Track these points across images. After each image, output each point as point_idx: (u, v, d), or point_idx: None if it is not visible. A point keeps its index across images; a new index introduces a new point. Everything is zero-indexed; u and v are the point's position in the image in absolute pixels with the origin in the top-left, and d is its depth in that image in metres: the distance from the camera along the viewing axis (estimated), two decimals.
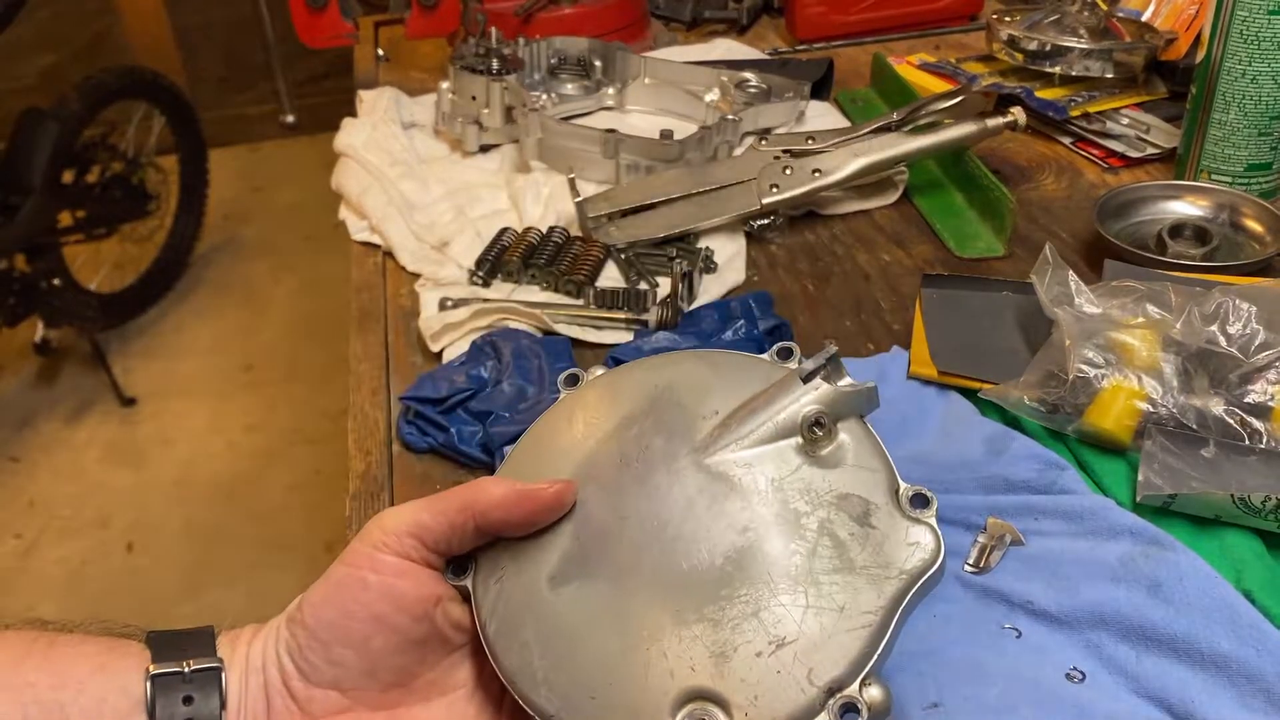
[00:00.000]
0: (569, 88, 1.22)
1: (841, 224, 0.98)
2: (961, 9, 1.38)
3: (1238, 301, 0.66)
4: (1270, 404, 0.65)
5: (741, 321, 0.79)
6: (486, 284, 0.91)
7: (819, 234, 0.97)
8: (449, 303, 0.87)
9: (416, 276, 0.94)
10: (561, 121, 1.06)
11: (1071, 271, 0.71)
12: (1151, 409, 0.65)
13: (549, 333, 0.83)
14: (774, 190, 0.96)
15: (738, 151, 1.05)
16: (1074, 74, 1.13)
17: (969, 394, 0.72)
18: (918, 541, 0.48)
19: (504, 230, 0.96)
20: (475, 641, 0.51)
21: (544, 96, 1.16)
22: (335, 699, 0.49)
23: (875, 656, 0.45)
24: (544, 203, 1.00)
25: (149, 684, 0.46)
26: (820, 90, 1.20)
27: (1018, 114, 0.97)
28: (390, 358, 0.86)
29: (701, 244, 0.94)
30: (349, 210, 1.06)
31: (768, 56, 1.33)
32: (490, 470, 0.70)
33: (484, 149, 1.12)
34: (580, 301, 0.87)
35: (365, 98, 1.21)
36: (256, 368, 2.59)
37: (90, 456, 2.36)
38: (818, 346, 0.63)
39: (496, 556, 0.51)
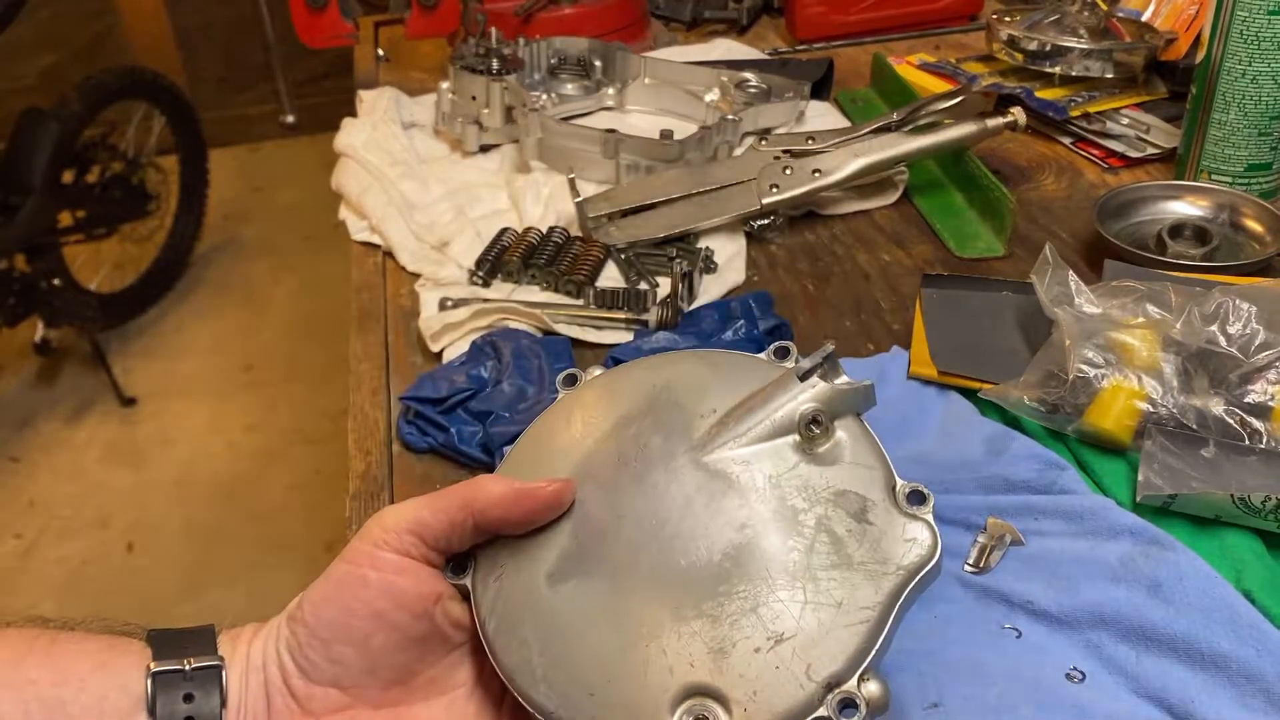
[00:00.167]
0: (569, 88, 1.22)
1: (841, 224, 0.98)
2: (961, 9, 1.38)
3: (1238, 301, 0.66)
4: (1270, 404, 0.65)
5: (741, 321, 0.79)
6: (486, 284, 0.91)
7: (819, 234, 0.97)
8: (449, 303, 0.87)
9: (416, 276, 0.94)
10: (561, 121, 1.06)
11: (1071, 271, 0.71)
12: (1151, 409, 0.65)
13: (549, 333, 0.83)
14: (774, 190, 0.96)
15: (738, 151, 1.05)
16: (1074, 74, 1.13)
17: (969, 394, 0.72)
18: (915, 538, 0.48)
19: (504, 230, 0.96)
20: (475, 639, 0.51)
21: (544, 96, 1.16)
22: (335, 697, 0.49)
23: (873, 652, 0.45)
24: (544, 203, 1.00)
25: (150, 682, 0.46)
26: (820, 90, 1.20)
27: (1018, 114, 0.97)
28: (390, 358, 0.86)
29: (701, 244, 0.94)
30: (349, 210, 1.06)
31: (768, 56, 1.33)
32: (490, 470, 0.70)
33: (484, 149, 1.12)
34: (580, 301, 0.88)
35: (365, 98, 1.21)
36: (256, 368, 2.59)
37: (90, 456, 2.36)
38: (817, 346, 0.63)
39: (495, 554, 0.51)
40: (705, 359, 0.56)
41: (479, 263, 0.91)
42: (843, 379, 0.52)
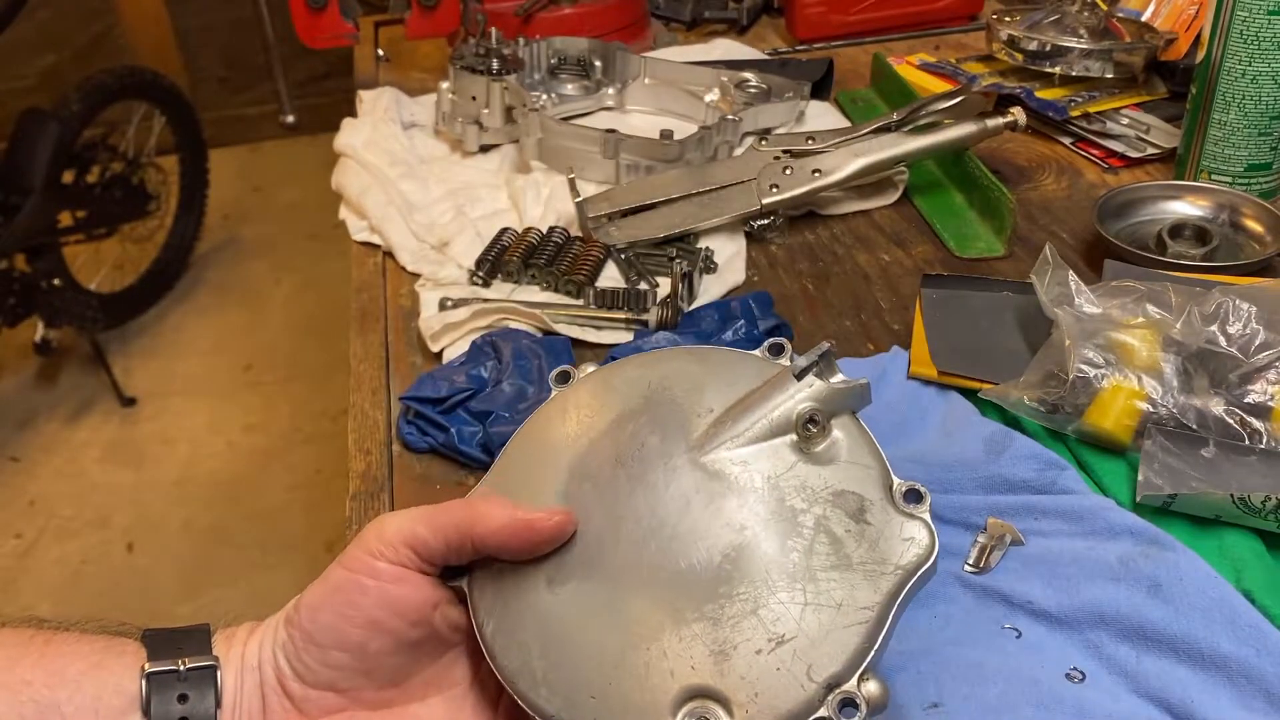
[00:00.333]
0: (569, 88, 1.22)
1: (841, 224, 0.98)
2: (961, 9, 1.38)
3: (1238, 301, 0.66)
4: (1270, 404, 0.65)
5: (741, 321, 0.79)
6: (486, 284, 0.91)
7: (819, 234, 0.97)
8: (449, 303, 0.87)
9: (416, 276, 0.94)
10: (561, 121, 1.06)
11: (1071, 271, 0.71)
12: (1151, 409, 0.65)
13: (549, 333, 0.83)
14: (774, 190, 0.96)
15: (738, 151, 1.05)
16: (1074, 74, 1.13)
17: (969, 394, 0.72)
18: (912, 537, 0.48)
19: (504, 230, 0.96)
20: (472, 640, 0.51)
21: (544, 96, 1.16)
22: (331, 699, 0.49)
23: (873, 652, 0.45)
24: (544, 203, 1.00)
25: (144, 682, 0.46)
26: (820, 90, 1.20)
27: (1018, 114, 0.97)
28: (390, 358, 0.86)
29: (701, 244, 0.94)
30: (349, 210, 1.06)
31: (768, 56, 1.33)
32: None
33: (484, 149, 1.12)
34: (580, 301, 0.88)
35: (365, 98, 1.21)
36: (256, 367, 2.59)
37: (90, 456, 2.36)
38: (816, 346, 0.63)
39: (493, 558, 0.51)
40: (700, 356, 0.55)
41: (479, 263, 0.91)
42: (839, 377, 0.52)
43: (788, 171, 0.97)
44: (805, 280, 0.90)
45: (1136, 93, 1.13)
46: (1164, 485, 0.61)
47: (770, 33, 1.43)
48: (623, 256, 0.92)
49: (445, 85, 1.13)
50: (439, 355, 0.83)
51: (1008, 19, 1.20)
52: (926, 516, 0.49)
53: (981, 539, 0.61)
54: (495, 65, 1.11)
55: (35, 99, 2.57)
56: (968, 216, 0.97)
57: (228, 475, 2.27)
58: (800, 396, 0.51)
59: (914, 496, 0.49)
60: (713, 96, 1.16)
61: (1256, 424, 0.64)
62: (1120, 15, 1.19)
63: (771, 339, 0.55)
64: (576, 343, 0.82)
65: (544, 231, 0.95)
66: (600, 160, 1.03)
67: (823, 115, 1.16)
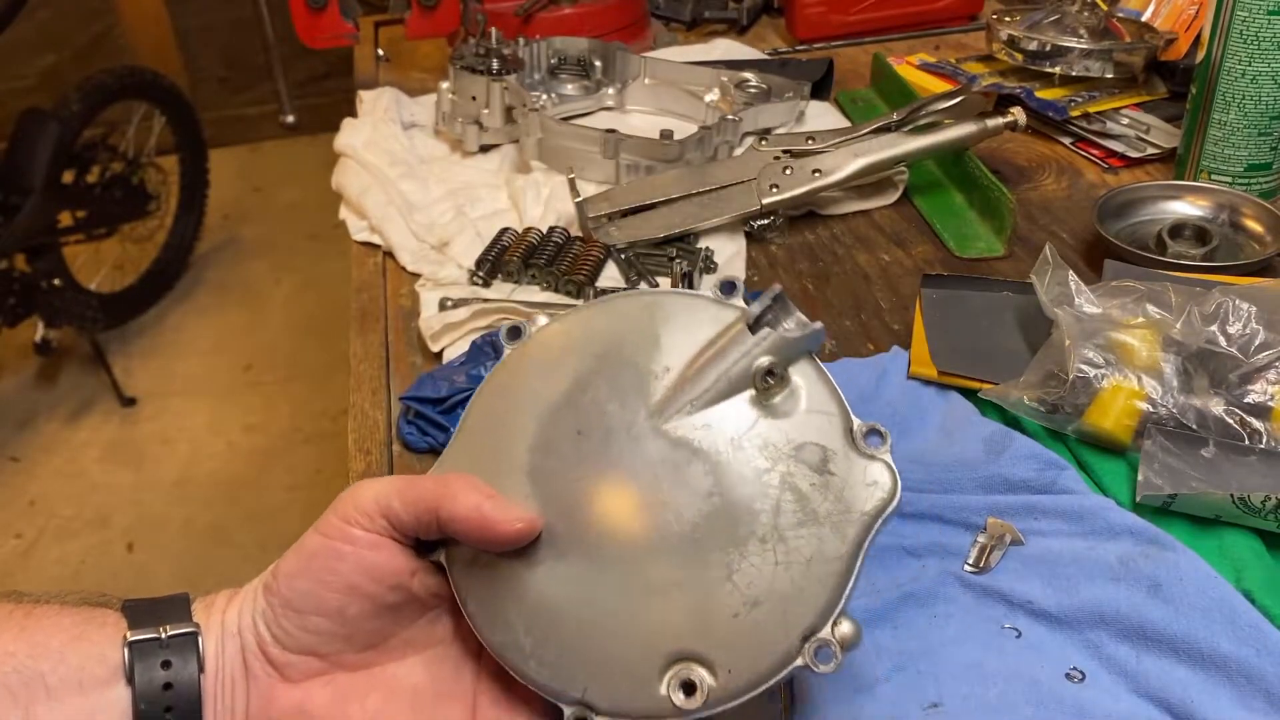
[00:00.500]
0: (569, 88, 1.22)
1: (841, 224, 0.98)
2: (961, 9, 1.38)
3: (1238, 301, 0.67)
4: (1270, 404, 0.65)
5: None
6: (486, 284, 0.91)
7: (819, 234, 0.97)
8: (449, 303, 0.87)
9: (416, 276, 0.94)
10: (561, 121, 1.06)
11: (1071, 271, 0.71)
12: (1151, 409, 0.65)
13: None
14: (774, 190, 0.96)
15: (738, 151, 1.05)
16: (1074, 74, 1.13)
17: (969, 394, 0.72)
18: (875, 480, 0.49)
19: (504, 230, 0.96)
20: (452, 601, 0.51)
21: (544, 96, 1.16)
22: (313, 662, 0.49)
23: (844, 599, 0.47)
24: (544, 203, 1.00)
25: (126, 651, 0.47)
26: (820, 90, 1.20)
27: (1018, 114, 0.97)
28: (390, 358, 0.86)
29: (701, 244, 0.94)
30: (349, 210, 1.06)
31: (768, 56, 1.33)
32: None
33: (484, 149, 1.12)
34: (580, 302, 0.88)
35: (365, 98, 1.21)
36: (256, 367, 2.60)
37: (90, 456, 2.36)
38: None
39: None
40: (652, 306, 0.54)
41: (479, 263, 0.91)
42: (792, 322, 0.52)
43: (788, 171, 0.97)
44: (805, 280, 0.90)
45: (1136, 93, 1.13)
46: (1164, 485, 0.61)
47: (770, 33, 1.43)
48: (623, 256, 0.92)
49: (445, 85, 1.13)
50: (439, 355, 0.83)
51: (1008, 19, 1.20)
52: (888, 457, 0.49)
53: (981, 539, 0.61)
54: (495, 65, 1.11)
55: (35, 99, 2.57)
56: (968, 216, 0.97)
57: (228, 475, 2.27)
58: (756, 351, 0.51)
59: (875, 437, 0.50)
60: (713, 96, 1.16)
61: (1256, 424, 0.64)
62: (1120, 15, 1.19)
63: (723, 277, 0.54)
64: None
65: (544, 231, 0.95)
66: (600, 160, 1.03)
67: (823, 115, 1.16)
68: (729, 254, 0.93)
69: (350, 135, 1.11)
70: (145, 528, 2.16)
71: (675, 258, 0.91)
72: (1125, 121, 1.09)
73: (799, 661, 0.46)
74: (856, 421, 0.50)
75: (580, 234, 0.96)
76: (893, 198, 1.00)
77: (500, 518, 0.48)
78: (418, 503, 0.48)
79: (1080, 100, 1.11)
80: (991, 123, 0.96)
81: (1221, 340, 0.66)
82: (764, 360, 0.51)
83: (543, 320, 0.56)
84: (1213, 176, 0.93)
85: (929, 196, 1.00)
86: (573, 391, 0.53)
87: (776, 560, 0.48)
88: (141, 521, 2.18)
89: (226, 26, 3.41)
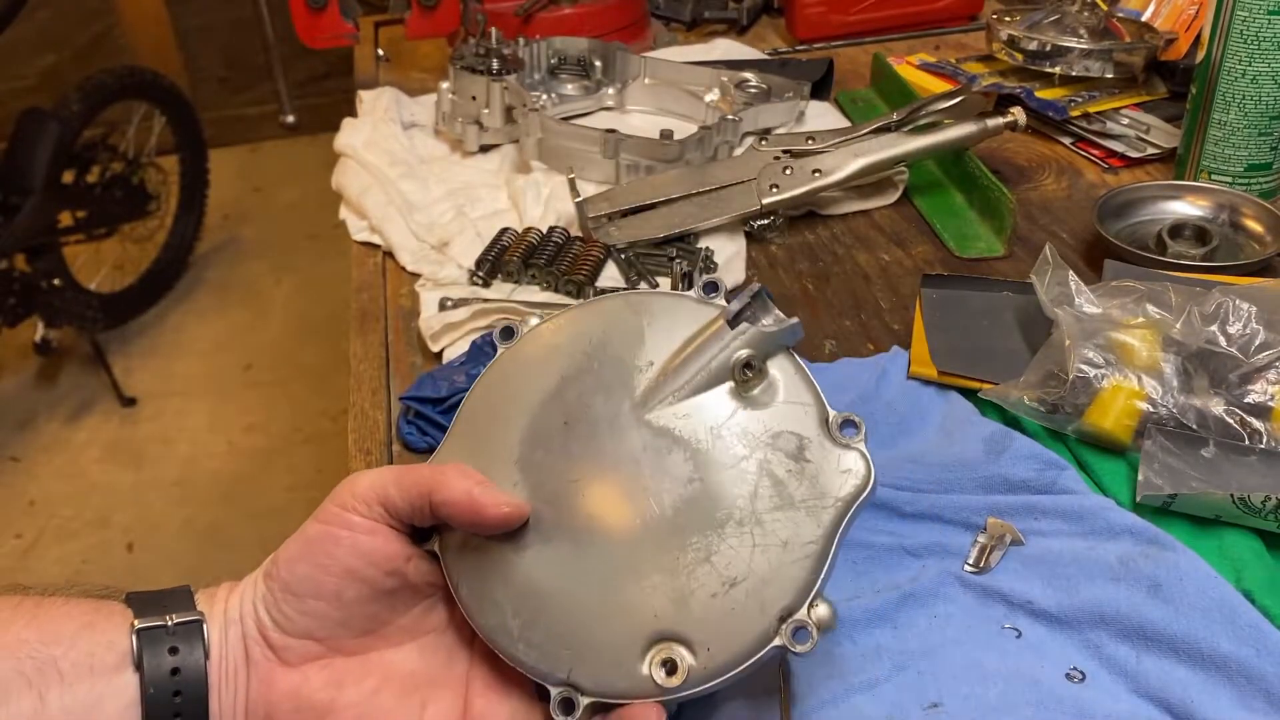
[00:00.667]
0: (569, 88, 1.22)
1: (841, 224, 0.98)
2: (961, 9, 1.38)
3: (1238, 301, 0.67)
4: (1270, 404, 0.65)
5: None
6: (486, 284, 0.91)
7: (819, 234, 0.97)
8: (449, 303, 0.87)
9: (416, 276, 0.94)
10: (561, 121, 1.06)
11: (1071, 271, 0.71)
12: (1151, 409, 0.65)
13: None
14: (774, 190, 0.96)
15: (738, 151, 1.05)
16: (1074, 74, 1.13)
17: (969, 394, 0.72)
18: (849, 468, 0.51)
19: (504, 230, 0.96)
20: (446, 591, 0.53)
21: (544, 96, 1.16)
22: (311, 647, 0.51)
23: (819, 581, 0.49)
24: (544, 203, 1.00)
25: (135, 638, 0.48)
26: (820, 90, 1.20)
27: (1018, 114, 0.97)
28: (390, 358, 0.86)
29: (701, 244, 0.94)
30: (349, 210, 1.06)
31: (768, 56, 1.33)
32: None
33: (484, 149, 1.12)
34: (580, 301, 0.87)
35: (365, 98, 1.21)
36: (256, 367, 2.60)
37: (90, 456, 2.36)
38: (818, 347, 0.63)
39: None
40: (636, 306, 0.57)
41: (479, 263, 0.91)
42: (770, 318, 0.54)
43: (788, 171, 0.97)
44: (805, 280, 0.90)
45: (1136, 93, 1.13)
46: (1164, 485, 0.61)
47: (770, 33, 1.43)
48: (623, 256, 0.92)
49: (445, 85, 1.13)
50: (439, 355, 0.83)
51: (1008, 19, 1.20)
52: (862, 446, 0.51)
53: (981, 539, 0.61)
54: (495, 65, 1.11)
55: (35, 99, 2.57)
56: (968, 216, 0.97)
57: (228, 475, 2.27)
58: (735, 345, 0.53)
59: (849, 427, 0.52)
60: (713, 96, 1.16)
61: (1256, 424, 0.64)
62: (1120, 15, 1.19)
63: (705, 278, 0.56)
64: None
65: (544, 231, 0.95)
66: (600, 160, 1.03)
67: (823, 115, 1.16)
68: (729, 254, 0.93)
69: (350, 135, 1.11)
70: (145, 528, 2.16)
71: (675, 258, 0.91)
72: (1125, 121, 1.09)
73: (777, 641, 0.48)
74: (832, 412, 0.52)
75: (580, 234, 0.96)
76: (893, 198, 1.00)
77: (489, 501, 0.50)
78: (412, 489, 0.50)
79: (1080, 100, 1.11)
80: (991, 123, 0.96)
81: (1221, 340, 0.66)
82: (742, 353, 0.53)
83: (534, 321, 0.58)
84: (1213, 176, 0.93)
85: (929, 196, 1.00)
86: (561, 386, 0.55)
87: (754, 543, 0.49)
88: (141, 521, 2.18)
89: (226, 26, 3.41)
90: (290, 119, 3.34)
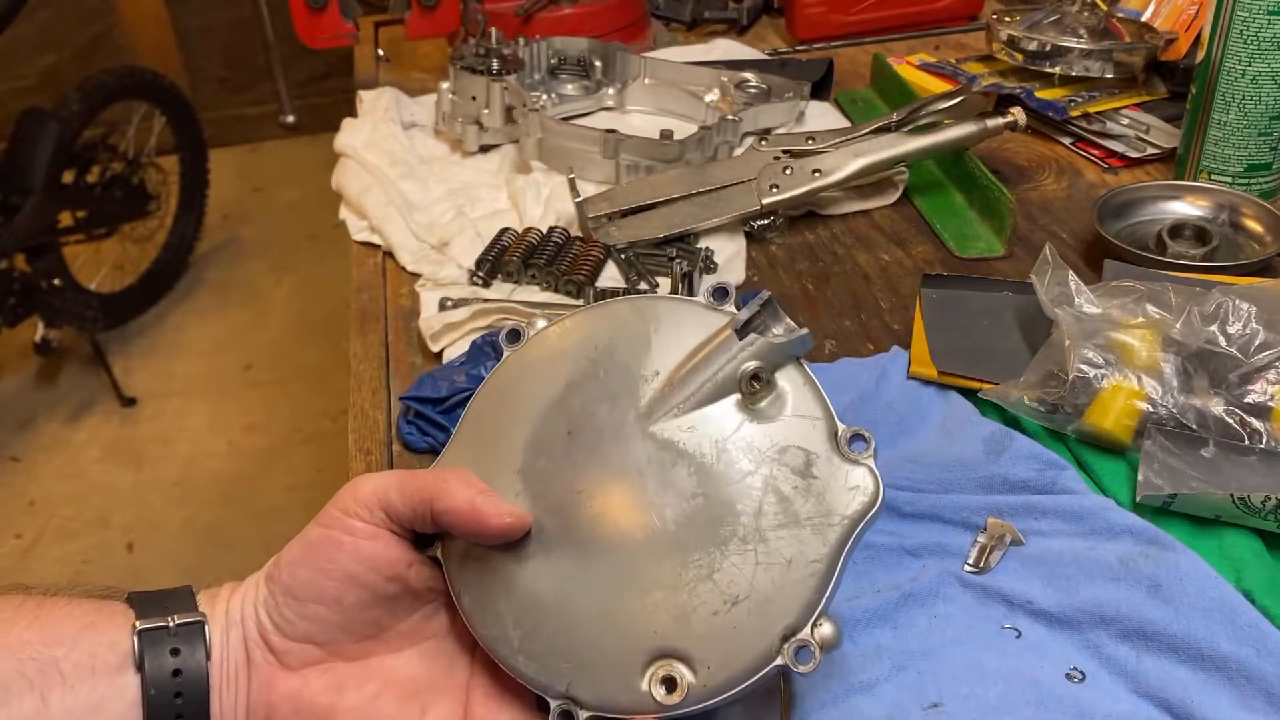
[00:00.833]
0: (569, 88, 1.22)
1: (841, 224, 0.98)
2: (961, 9, 1.38)
3: (1238, 301, 0.67)
4: (1270, 404, 0.65)
5: None
6: (486, 284, 0.91)
7: (819, 234, 0.97)
8: (449, 303, 0.87)
9: (416, 276, 0.94)
10: (561, 121, 1.06)
11: (1071, 271, 0.71)
12: (1151, 409, 0.65)
13: None
14: (774, 190, 0.96)
15: (738, 151, 1.05)
16: (1074, 74, 1.13)
17: (969, 394, 0.72)
18: (857, 485, 0.50)
19: (504, 230, 0.96)
20: (447, 596, 0.53)
21: (544, 96, 1.16)
22: (311, 651, 0.51)
23: (824, 600, 0.48)
24: (544, 203, 1.00)
25: (136, 639, 0.48)
26: (820, 90, 1.20)
27: (1018, 114, 0.97)
28: (390, 358, 0.86)
29: (701, 244, 0.94)
30: (349, 210, 1.06)
31: (768, 56, 1.33)
32: None
33: (484, 149, 1.12)
34: (580, 302, 0.87)
35: (365, 98, 1.21)
36: (256, 367, 2.60)
37: (90, 456, 2.36)
38: (818, 347, 0.63)
39: None
40: (643, 312, 0.56)
41: (479, 263, 0.91)
42: (780, 328, 0.53)
43: (788, 171, 0.97)
44: (805, 280, 0.90)
45: (1136, 93, 1.13)
46: (1164, 485, 0.61)
47: (770, 33, 1.43)
48: (623, 256, 0.92)
49: (445, 85, 1.13)
50: (439, 355, 0.83)
51: (1008, 19, 1.20)
52: (871, 462, 0.50)
53: (981, 539, 0.61)
54: (495, 65, 1.11)
55: (35, 99, 2.57)
56: (968, 216, 0.97)
57: (228, 475, 2.27)
58: (742, 356, 0.52)
59: (859, 442, 0.51)
60: (713, 96, 1.16)
61: (1256, 424, 0.64)
62: (1120, 15, 1.19)
63: (716, 283, 0.55)
64: None
65: (544, 231, 0.95)
66: (600, 160, 1.03)
67: (823, 115, 1.16)
68: (729, 254, 0.93)
69: (350, 135, 1.11)
70: (145, 528, 2.16)
71: (675, 258, 0.91)
72: (1125, 121, 1.09)
73: (778, 661, 0.47)
74: (841, 426, 0.51)
75: (580, 234, 0.96)
76: (893, 198, 1.00)
77: (491, 511, 0.50)
78: (414, 495, 0.50)
79: (1080, 100, 1.11)
80: (991, 123, 0.96)
81: (1221, 340, 0.66)
82: (750, 364, 0.52)
83: (541, 324, 0.57)
84: (1213, 176, 0.93)
85: (929, 196, 1.00)
86: (565, 394, 0.54)
87: (757, 560, 0.49)
88: (141, 521, 2.18)
89: (226, 26, 3.41)
90: (290, 119, 3.34)
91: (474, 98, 1.10)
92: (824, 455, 0.51)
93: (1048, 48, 1.13)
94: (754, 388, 0.52)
